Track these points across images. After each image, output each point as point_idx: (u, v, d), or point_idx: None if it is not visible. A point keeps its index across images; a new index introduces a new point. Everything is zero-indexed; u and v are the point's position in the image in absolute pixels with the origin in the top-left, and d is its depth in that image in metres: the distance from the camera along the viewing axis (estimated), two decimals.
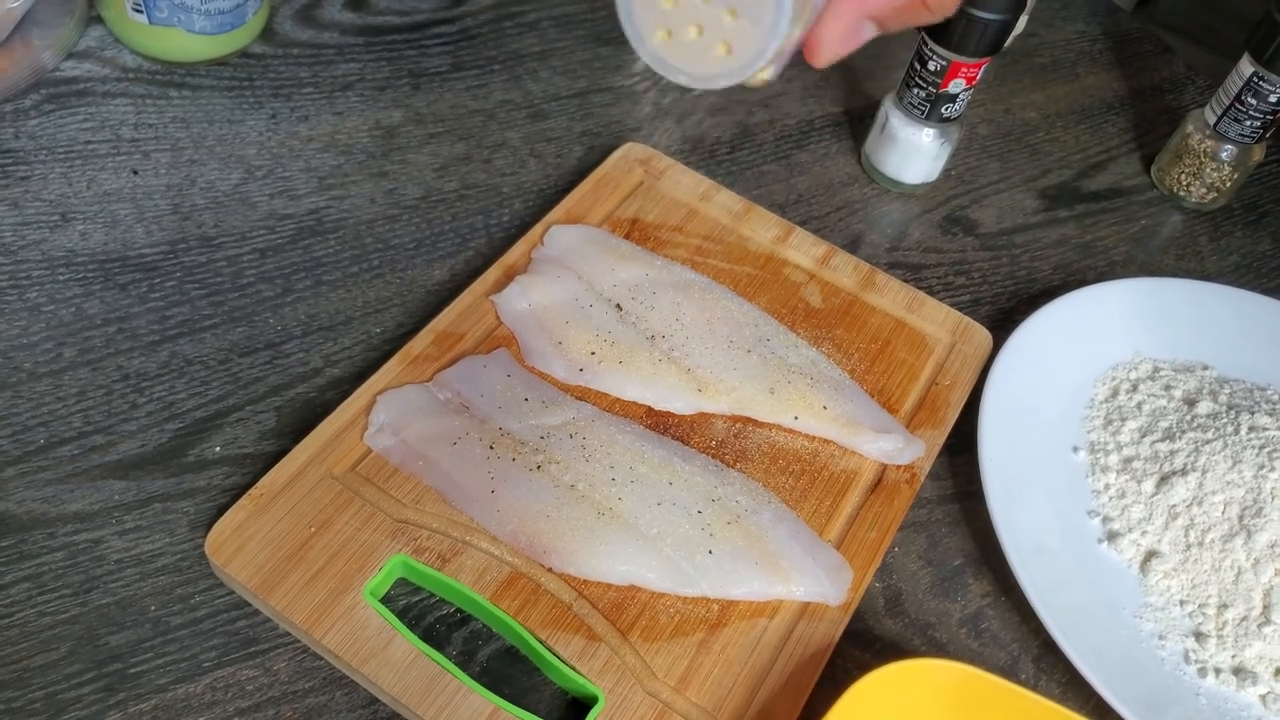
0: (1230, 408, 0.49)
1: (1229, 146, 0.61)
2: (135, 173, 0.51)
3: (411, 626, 0.39)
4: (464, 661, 0.38)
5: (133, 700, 0.36)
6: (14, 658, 0.36)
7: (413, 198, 0.54)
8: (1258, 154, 0.61)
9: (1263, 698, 0.42)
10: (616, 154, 0.56)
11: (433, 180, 0.55)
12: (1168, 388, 0.51)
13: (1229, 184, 0.63)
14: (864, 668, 0.37)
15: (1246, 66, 0.57)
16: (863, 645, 0.42)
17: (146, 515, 0.40)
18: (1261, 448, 0.47)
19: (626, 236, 0.52)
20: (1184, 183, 0.63)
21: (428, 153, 0.56)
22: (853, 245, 0.57)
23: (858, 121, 0.64)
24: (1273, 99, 0.57)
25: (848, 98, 0.66)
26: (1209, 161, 0.62)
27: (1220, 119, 0.60)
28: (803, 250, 0.54)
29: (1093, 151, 0.66)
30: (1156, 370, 0.53)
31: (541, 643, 0.38)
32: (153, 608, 0.38)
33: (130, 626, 0.37)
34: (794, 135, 0.63)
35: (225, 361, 0.45)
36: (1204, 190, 0.63)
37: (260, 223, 0.51)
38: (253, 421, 0.44)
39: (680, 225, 0.54)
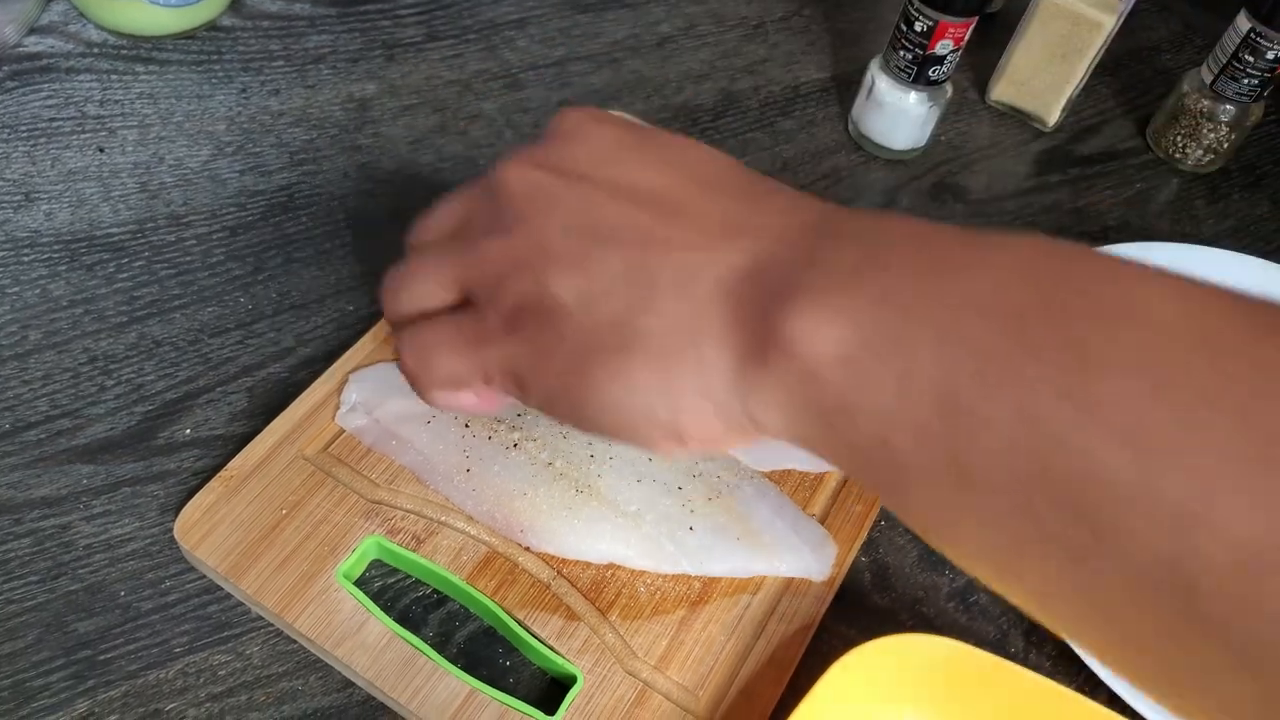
0: None
1: (1226, 106, 0.60)
2: (101, 150, 0.51)
3: (387, 608, 0.38)
4: (441, 643, 0.38)
5: (102, 687, 0.36)
6: None
7: (387, 171, 0.53)
8: (1256, 113, 0.61)
9: None
10: None
11: (407, 153, 0.54)
12: None
13: (1226, 145, 0.62)
14: (850, 643, 0.37)
15: (1243, 23, 0.57)
16: (849, 621, 0.42)
17: (115, 499, 0.40)
18: None
19: None
20: (1180, 145, 0.63)
21: (402, 125, 0.55)
22: None
23: (845, 87, 0.63)
24: (1270, 56, 0.56)
25: (834, 63, 0.65)
26: (1206, 122, 0.61)
27: (1217, 78, 0.59)
28: None
29: (1087, 114, 0.66)
30: None
31: (519, 623, 0.38)
32: (122, 593, 0.38)
33: (99, 613, 0.37)
34: (779, 102, 0.62)
35: (195, 342, 0.45)
36: (1201, 152, 0.62)
37: (230, 200, 0.50)
38: (223, 403, 0.43)
39: None
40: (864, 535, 0.43)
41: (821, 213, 0.27)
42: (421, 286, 0.31)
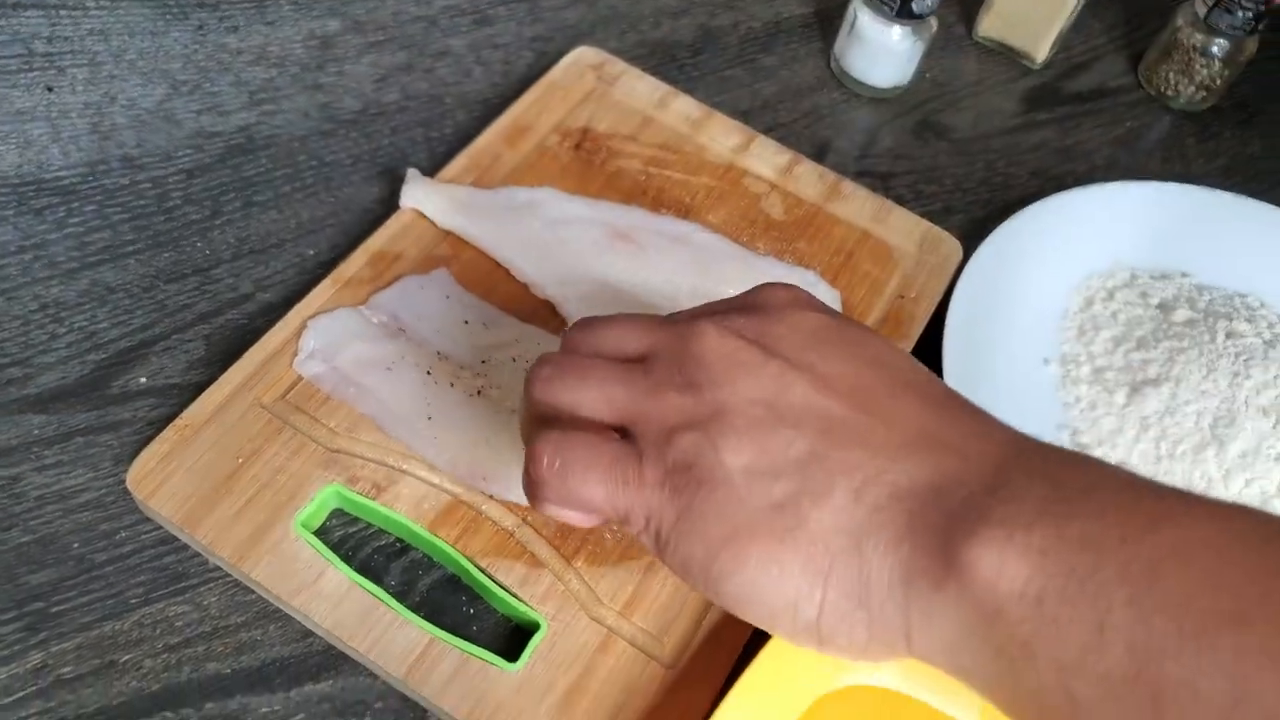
0: (1208, 315, 0.48)
1: (1220, 40, 0.58)
2: (50, 90, 0.49)
3: (349, 557, 0.38)
4: (403, 592, 0.38)
5: (55, 639, 0.35)
6: None
7: (350, 111, 0.52)
8: (1250, 48, 0.59)
9: None
10: (566, 59, 0.53)
11: (371, 92, 0.52)
12: (1144, 295, 0.50)
13: (1219, 81, 0.60)
14: None
15: None
16: None
17: (68, 450, 0.39)
18: (1237, 355, 0.45)
19: (576, 147, 0.50)
20: (1172, 81, 0.61)
21: (366, 63, 0.54)
22: (819, 153, 0.55)
23: (828, 22, 0.61)
24: None
25: None
26: (1199, 57, 0.59)
27: (1211, 10, 0.57)
28: (765, 159, 0.52)
29: (1077, 50, 0.64)
30: (1134, 278, 0.51)
31: (482, 571, 0.37)
32: (75, 545, 0.37)
33: (52, 565, 0.37)
34: (760, 38, 0.60)
35: (150, 289, 0.44)
36: (1193, 89, 0.61)
37: (186, 141, 0.49)
38: (180, 350, 0.42)
39: (634, 134, 0.51)
40: None
41: (1015, 443, 0.27)
42: (587, 394, 0.30)
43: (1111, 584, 0.22)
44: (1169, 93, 0.61)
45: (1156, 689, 0.21)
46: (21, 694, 0.34)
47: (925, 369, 0.30)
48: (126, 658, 0.35)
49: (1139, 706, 0.21)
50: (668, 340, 0.30)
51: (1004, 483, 0.25)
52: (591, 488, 0.29)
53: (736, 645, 0.37)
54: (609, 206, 0.48)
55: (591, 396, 0.30)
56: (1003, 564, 0.23)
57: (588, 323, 0.32)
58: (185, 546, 0.38)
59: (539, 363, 0.31)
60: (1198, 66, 0.60)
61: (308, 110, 0.51)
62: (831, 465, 0.26)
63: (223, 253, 0.45)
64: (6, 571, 0.36)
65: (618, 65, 0.54)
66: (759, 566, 0.26)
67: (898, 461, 0.26)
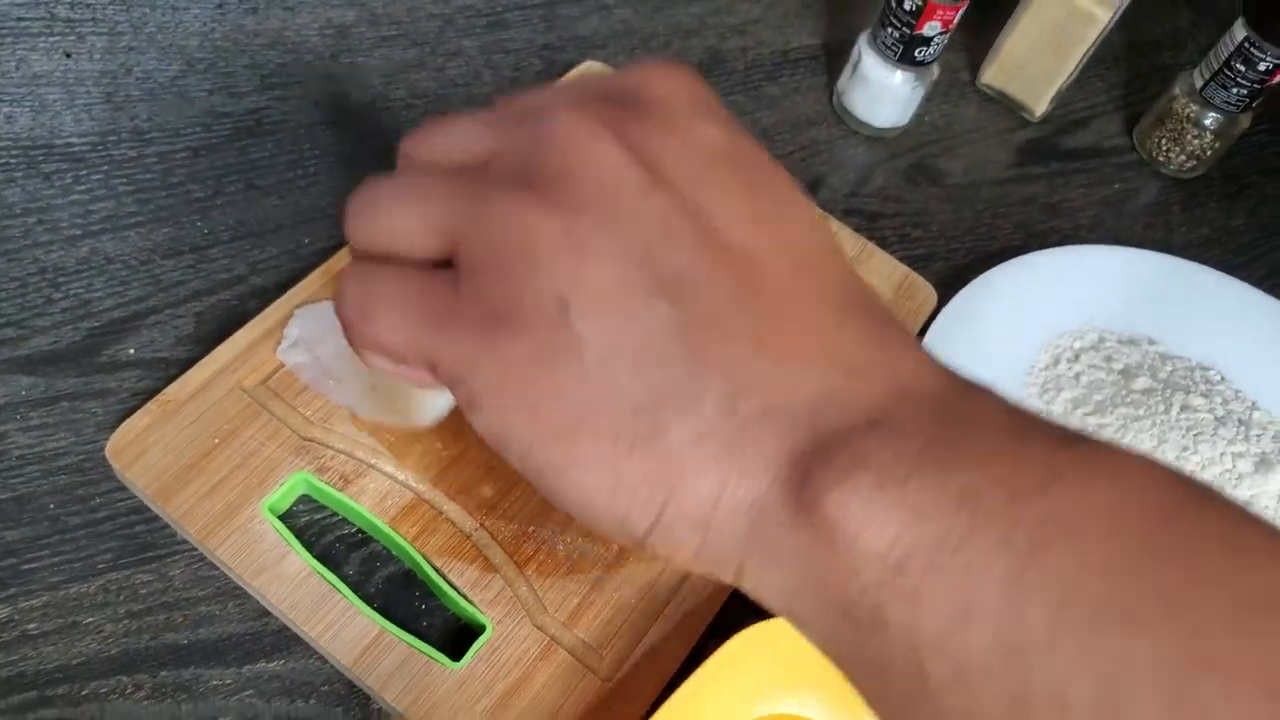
0: (1167, 386, 0.50)
1: (1213, 114, 0.60)
2: (68, 55, 0.51)
3: (312, 543, 0.40)
4: (360, 581, 0.40)
5: (24, 595, 0.37)
6: None
7: (358, 103, 0.53)
8: (1243, 123, 0.60)
9: None
10: (575, 72, 0.55)
11: (380, 86, 0.54)
12: (1109, 359, 0.52)
13: (1210, 152, 0.62)
14: (759, 617, 0.38)
15: (1239, 30, 0.56)
16: None
17: (53, 413, 0.41)
18: (1189, 429, 0.47)
19: None
20: (1164, 148, 0.63)
21: (379, 56, 0.55)
22: (811, 187, 0.57)
23: (835, 56, 0.63)
24: (1263, 67, 0.56)
25: (827, 29, 0.64)
26: (1191, 127, 0.61)
27: (1207, 84, 0.59)
28: None
29: (1077, 107, 0.65)
30: (1101, 341, 0.53)
31: (437, 570, 0.39)
32: (51, 506, 0.39)
33: (27, 523, 0.38)
34: (766, 66, 0.61)
35: (147, 262, 0.45)
36: (1184, 158, 0.62)
37: (196, 119, 0.50)
38: (170, 326, 0.44)
39: None
40: None
41: (915, 366, 0.22)
42: (400, 220, 0.24)
43: (987, 556, 0.18)
44: (1160, 158, 0.63)
45: (1020, 689, 0.17)
46: None
47: (853, 272, 0.24)
48: (89, 620, 0.37)
49: (997, 703, 0.18)
50: (515, 132, 0.23)
51: (890, 417, 0.21)
52: (393, 331, 0.23)
53: (672, 665, 0.39)
54: None
55: (407, 224, 0.24)
56: (867, 518, 0.19)
57: (422, 128, 0.25)
58: (156, 518, 0.39)
59: (354, 192, 0.25)
60: (1190, 136, 0.61)
61: (317, 99, 0.53)
62: (707, 362, 0.21)
63: (221, 233, 0.47)
64: None
65: None
66: (595, 470, 0.21)
67: (781, 366, 0.21)
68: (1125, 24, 0.60)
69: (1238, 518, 0.19)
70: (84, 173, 0.47)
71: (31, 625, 0.36)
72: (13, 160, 0.47)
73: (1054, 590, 0.18)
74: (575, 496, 0.22)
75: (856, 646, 0.20)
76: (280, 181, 0.49)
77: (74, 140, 0.48)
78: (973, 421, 0.21)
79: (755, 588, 0.22)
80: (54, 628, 0.37)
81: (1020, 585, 0.18)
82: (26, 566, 0.37)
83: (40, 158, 0.47)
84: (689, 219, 0.22)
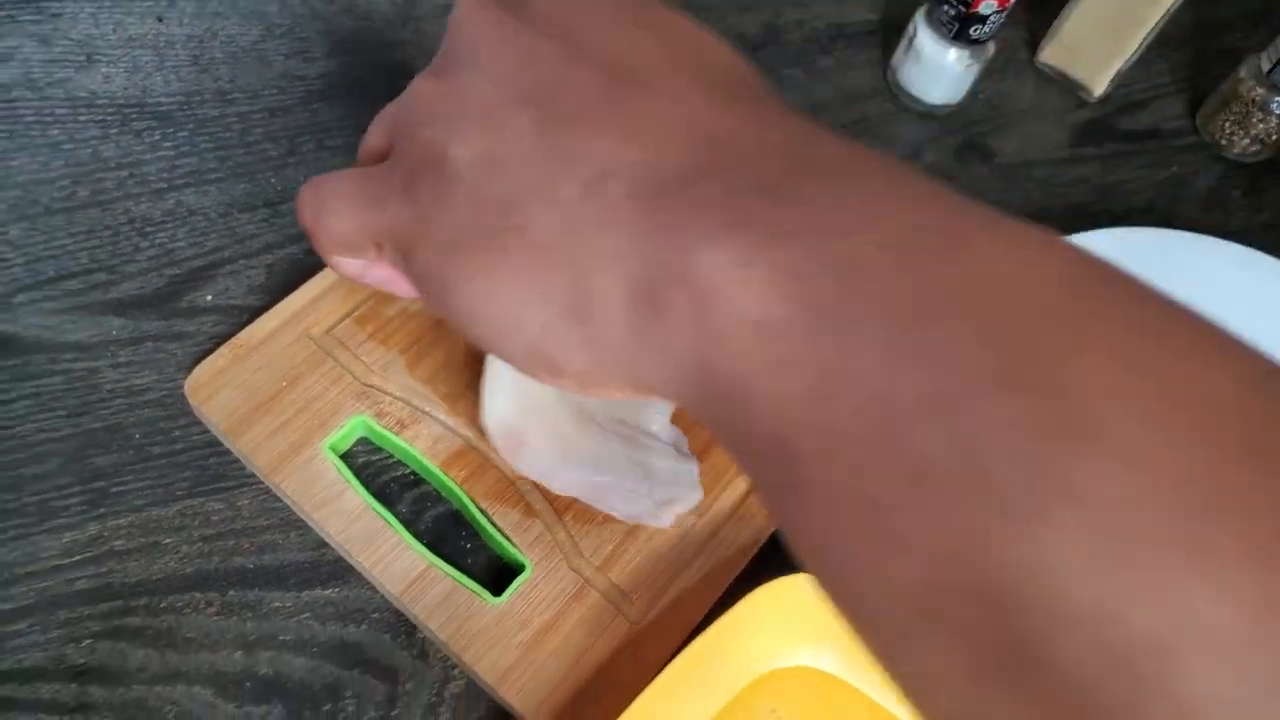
0: None
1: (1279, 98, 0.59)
2: (160, 20, 0.54)
3: (368, 482, 0.43)
4: (411, 519, 0.43)
5: (112, 515, 0.41)
6: (11, 465, 0.41)
7: (423, 68, 0.55)
8: None
9: None
10: None
11: None
12: None
13: (1275, 137, 0.61)
14: (783, 573, 0.40)
15: None
16: (786, 551, 0.45)
17: (139, 352, 0.45)
18: None
19: None
20: (1227, 131, 0.62)
21: (443, 25, 0.57)
22: None
23: (892, 32, 0.63)
24: None
25: (885, 5, 0.65)
26: (1257, 111, 0.60)
27: (1275, 67, 0.58)
28: None
29: (1138, 88, 0.65)
30: None
31: (482, 511, 0.42)
32: (136, 436, 0.43)
33: (115, 450, 0.42)
34: (821, 40, 0.62)
35: (225, 215, 0.49)
36: (1248, 141, 0.62)
37: (273, 82, 0.53)
38: (244, 275, 0.47)
39: None
40: None
41: (801, 134, 0.21)
42: (369, 136, 0.28)
43: (869, 324, 0.17)
44: (1223, 141, 0.63)
45: (889, 459, 0.17)
46: (79, 557, 0.40)
47: (740, 58, 0.24)
48: (168, 540, 0.41)
49: (864, 475, 0.17)
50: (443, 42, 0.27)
51: (781, 184, 0.19)
52: (340, 220, 0.26)
53: (699, 613, 0.42)
54: None
55: (369, 135, 0.28)
56: (742, 280, 0.18)
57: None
58: (227, 452, 0.43)
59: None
60: (1255, 120, 0.61)
61: (385, 65, 0.55)
62: (562, 153, 0.21)
63: (293, 190, 0.50)
64: (78, 451, 0.42)
65: None
66: (477, 280, 0.22)
67: (647, 152, 0.21)
68: (1192, 4, 0.60)
69: (1141, 293, 0.18)
70: (171, 130, 0.51)
71: (119, 542, 0.40)
72: (109, 118, 0.50)
73: (939, 357, 0.17)
74: (473, 311, 0.23)
75: (731, 422, 0.20)
76: (348, 143, 0.52)
77: (163, 100, 0.52)
78: (866, 189, 0.19)
79: (653, 382, 0.21)
80: (137, 546, 0.40)
81: (902, 354, 0.17)
82: (115, 489, 0.41)
83: (133, 115, 0.51)
84: (552, 40, 0.23)
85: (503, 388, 0.41)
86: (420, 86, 0.25)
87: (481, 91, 0.23)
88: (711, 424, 0.21)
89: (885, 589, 0.17)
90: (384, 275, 0.27)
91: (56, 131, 0.49)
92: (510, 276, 0.22)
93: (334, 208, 0.26)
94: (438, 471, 0.42)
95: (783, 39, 0.62)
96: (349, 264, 0.27)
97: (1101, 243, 0.54)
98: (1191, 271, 0.55)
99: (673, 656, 0.40)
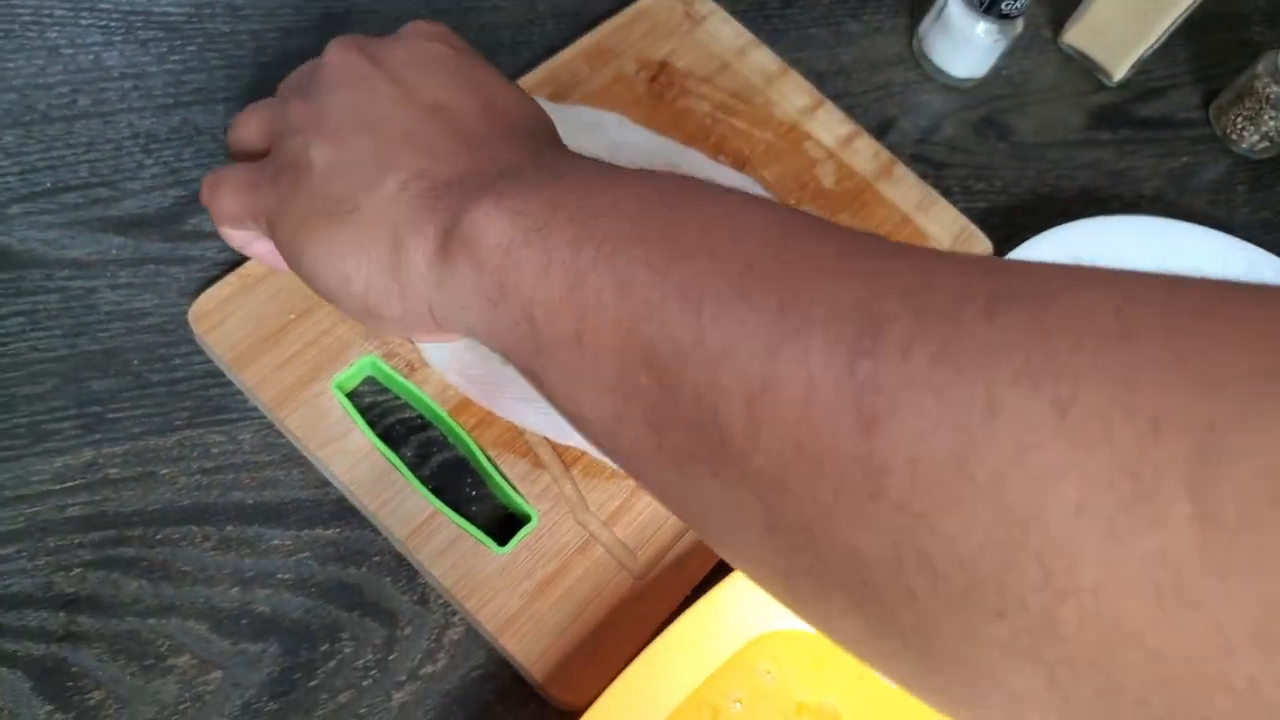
0: None
1: None
2: None
3: (374, 422, 0.41)
4: (416, 464, 0.41)
5: (107, 442, 0.39)
6: (3, 384, 0.39)
7: (445, 0, 0.53)
8: None
9: None
10: (634, 7, 0.54)
11: None
12: None
13: None
14: None
15: None
16: None
17: (140, 274, 0.42)
18: None
19: (652, 79, 0.51)
20: (1239, 126, 0.61)
21: None
22: (881, 130, 0.56)
23: (920, 1, 0.61)
24: None
25: None
26: (1269, 108, 0.59)
27: None
28: (828, 127, 0.53)
29: (1156, 75, 0.63)
30: None
31: (490, 460, 0.40)
32: (135, 362, 0.40)
33: (113, 375, 0.40)
34: (851, 3, 0.60)
35: None
36: (1257, 138, 0.61)
37: (290, 2, 0.50)
38: None
39: (709, 77, 0.52)
40: None
41: (565, 163, 0.30)
42: (244, 129, 0.35)
43: (561, 229, 0.26)
44: (1234, 136, 0.61)
45: (580, 303, 0.25)
46: (71, 484, 0.38)
47: (535, 108, 0.34)
48: (165, 471, 0.39)
49: (572, 319, 0.25)
50: (310, 70, 0.35)
51: (515, 172, 0.29)
52: (228, 199, 0.34)
53: (699, 572, 0.41)
54: (670, 143, 0.49)
55: (249, 130, 0.35)
56: (488, 224, 0.27)
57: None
58: (229, 383, 0.41)
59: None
60: (1267, 116, 0.60)
61: None
62: (389, 162, 0.30)
63: None
64: (73, 374, 0.39)
65: (708, 5, 0.54)
66: (321, 245, 0.30)
67: (446, 165, 0.30)
68: None
69: (734, 200, 0.26)
70: (179, 43, 0.47)
71: (114, 470, 0.38)
72: (113, 24, 0.47)
73: (601, 237, 0.25)
74: (315, 269, 0.31)
75: (499, 323, 0.27)
76: None
77: (170, 9, 0.48)
78: (577, 175, 0.28)
79: (445, 316, 0.29)
80: (133, 474, 0.38)
81: (579, 239, 0.25)
82: (111, 415, 0.39)
83: (139, 23, 0.47)
84: (395, 85, 0.32)
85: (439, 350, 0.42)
86: (292, 105, 0.33)
87: (337, 115, 0.32)
88: (487, 332, 0.28)
89: (595, 392, 0.25)
90: (264, 250, 0.36)
91: (55, 34, 0.46)
92: (343, 245, 0.30)
93: (224, 191, 0.34)
94: (446, 417, 0.41)
95: None
96: (236, 235, 0.36)
97: (1113, 229, 0.53)
98: (1191, 263, 0.54)
99: (673, 614, 0.39)
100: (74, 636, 0.36)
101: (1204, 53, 0.65)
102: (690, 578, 0.41)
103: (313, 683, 0.37)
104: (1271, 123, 0.60)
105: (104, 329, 0.41)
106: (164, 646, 0.36)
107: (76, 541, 0.37)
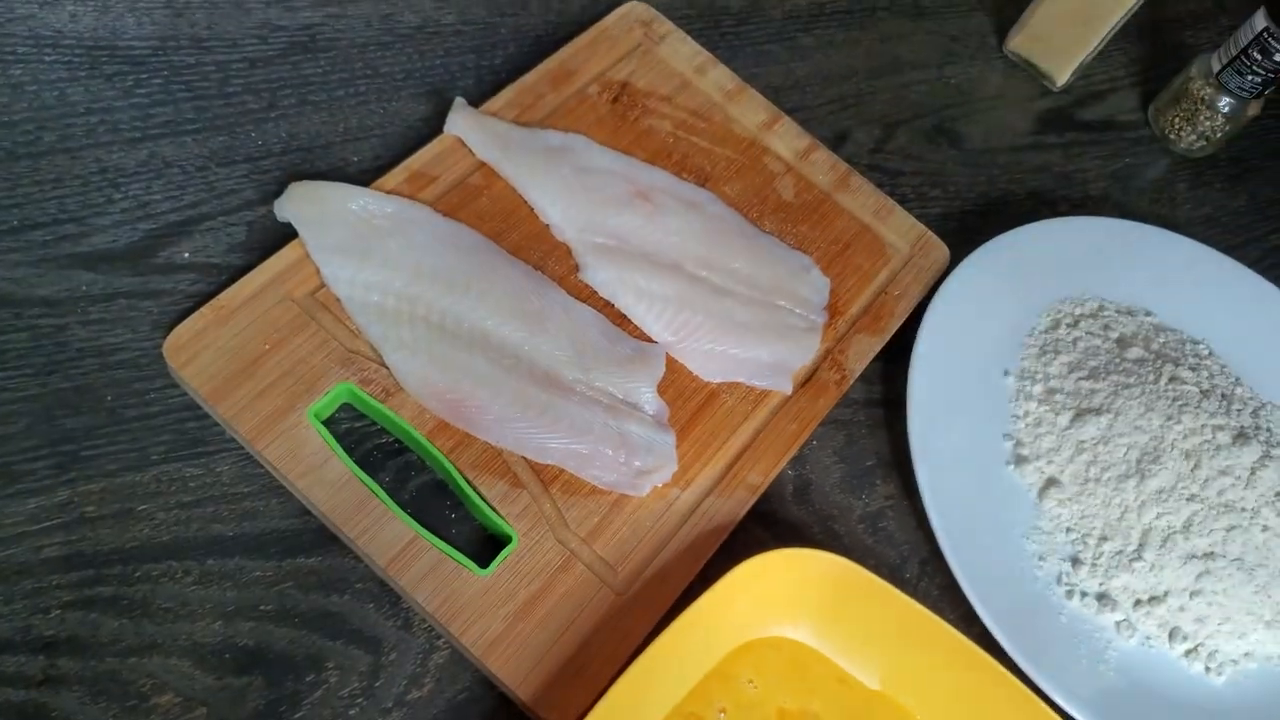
0: (1159, 357, 0.49)
1: (1227, 98, 0.58)
2: None
3: (351, 449, 0.40)
4: (395, 488, 0.39)
5: (83, 480, 0.37)
6: None
7: (409, 26, 0.51)
8: (1254, 109, 0.59)
9: (1118, 624, 0.44)
10: (619, 10, 0.53)
11: (431, 10, 0.52)
12: (1106, 328, 0.51)
13: (1220, 134, 0.60)
14: (762, 546, 0.38)
15: (1260, 20, 0.54)
16: (765, 525, 0.43)
17: (111, 309, 0.40)
18: (1175, 400, 0.47)
19: (614, 100, 0.50)
20: (1176, 126, 0.61)
21: None
22: (837, 141, 0.55)
23: (868, 14, 0.61)
24: (1279, 58, 0.54)
25: None
26: (1204, 109, 0.59)
27: (1224, 69, 0.57)
28: (786, 141, 0.52)
29: (1098, 79, 0.63)
30: (1101, 308, 0.52)
31: (468, 482, 0.39)
32: (109, 398, 0.38)
33: (86, 412, 0.38)
34: (803, 17, 0.59)
35: (203, 169, 0.44)
36: (1194, 137, 0.61)
37: (253, 31, 0.48)
38: (223, 233, 0.43)
39: (670, 96, 0.51)
40: (794, 451, 0.44)
41: None
42: None
43: None
44: (1172, 136, 0.61)
45: None
46: (48, 524, 0.36)
47: None
48: (143, 507, 0.37)
49: None
50: None
51: None
52: None
53: (680, 585, 0.39)
54: (635, 163, 0.48)
55: None
56: None
57: None
58: (206, 416, 0.39)
59: None
60: (1202, 117, 0.59)
61: (370, 19, 0.50)
62: None
63: (273, 145, 0.46)
64: (45, 412, 0.37)
65: (665, 25, 0.53)
66: None
67: None
68: (1153, 0, 0.58)
69: None
70: (145, 76, 0.45)
71: (90, 508, 0.36)
72: (76, 59, 0.45)
73: None
74: None
75: None
76: (331, 99, 0.48)
77: (135, 43, 0.46)
78: None
79: None
80: (111, 512, 0.36)
81: None
82: (86, 453, 0.37)
83: (103, 58, 0.45)
84: None
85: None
86: None
87: None
88: None
89: None
90: None
91: (19, 71, 0.44)
92: None
93: None
94: (424, 441, 0.39)
95: (766, 14, 0.58)
96: None
97: (1063, 230, 0.53)
98: (1142, 260, 0.54)
99: (656, 628, 0.38)
100: (54, 680, 0.34)
101: (1140, 56, 0.65)
102: (671, 592, 0.39)
103: (298, 715, 0.35)
104: (1207, 123, 0.60)
105: (76, 366, 0.39)
106: (146, 686, 0.34)
107: (54, 583, 0.35)
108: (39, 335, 0.39)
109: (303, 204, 0.42)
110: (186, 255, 0.42)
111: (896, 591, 0.38)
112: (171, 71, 0.46)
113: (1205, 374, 0.49)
